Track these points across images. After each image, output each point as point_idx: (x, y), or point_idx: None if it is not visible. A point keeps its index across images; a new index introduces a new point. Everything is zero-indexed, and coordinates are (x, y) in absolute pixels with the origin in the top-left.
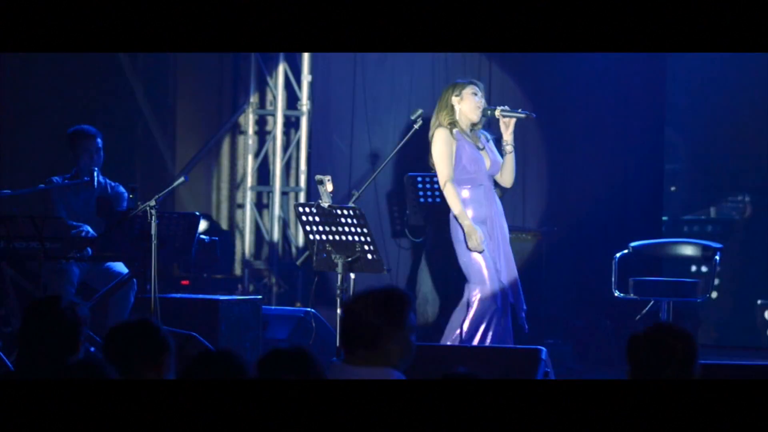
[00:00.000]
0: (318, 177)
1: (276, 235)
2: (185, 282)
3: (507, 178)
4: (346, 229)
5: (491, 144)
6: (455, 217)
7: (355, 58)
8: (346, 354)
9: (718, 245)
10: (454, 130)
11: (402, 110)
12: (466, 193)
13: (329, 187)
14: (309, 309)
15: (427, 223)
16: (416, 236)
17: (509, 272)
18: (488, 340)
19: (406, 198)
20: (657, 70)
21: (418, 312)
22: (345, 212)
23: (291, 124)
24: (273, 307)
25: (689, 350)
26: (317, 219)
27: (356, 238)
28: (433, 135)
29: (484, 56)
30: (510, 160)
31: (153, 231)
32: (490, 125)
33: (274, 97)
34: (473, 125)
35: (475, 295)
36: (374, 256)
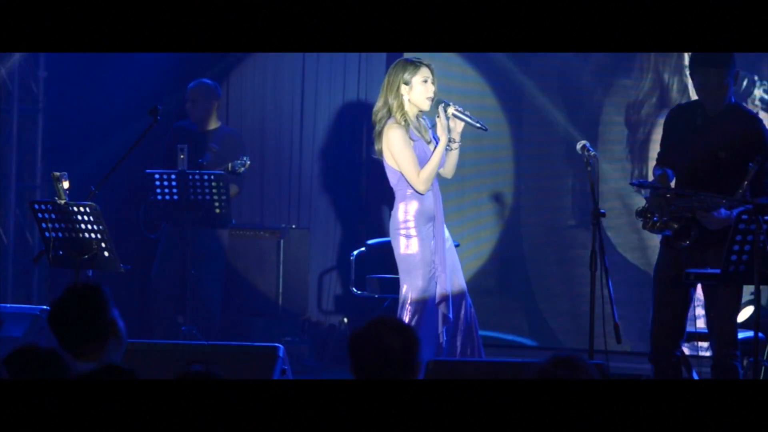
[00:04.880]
0: (54, 174)
1: (12, 233)
2: None
3: (449, 170)
4: (83, 226)
5: (433, 132)
6: (400, 210)
7: (91, 56)
8: (69, 351)
9: (455, 243)
10: (410, 129)
11: (140, 107)
12: (412, 189)
13: (65, 184)
14: (45, 307)
15: (163, 220)
16: (151, 232)
17: (454, 271)
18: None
19: (144, 195)
20: None
21: (155, 306)
22: (81, 209)
23: (27, 121)
24: (8, 305)
25: (408, 346)
26: (53, 216)
27: (92, 235)
28: (383, 130)
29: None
30: (454, 155)
31: None
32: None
33: (10, 94)
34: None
35: (409, 295)
36: (110, 254)
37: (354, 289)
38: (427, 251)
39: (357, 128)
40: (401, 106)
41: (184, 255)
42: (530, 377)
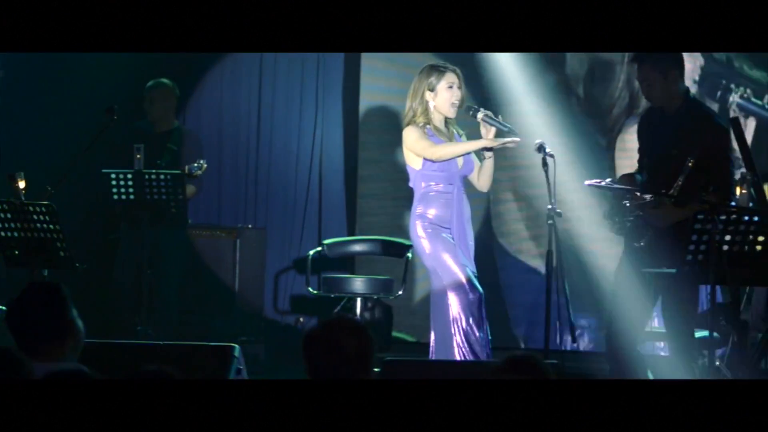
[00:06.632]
0: (10, 174)
1: None
2: None
3: (484, 183)
4: (39, 225)
5: (464, 140)
6: (420, 206)
7: (48, 56)
8: (28, 351)
9: (410, 242)
10: (427, 127)
11: (97, 106)
12: (430, 189)
13: (21, 184)
14: (2, 307)
15: (122, 219)
16: (111, 232)
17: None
18: (478, 330)
19: (102, 194)
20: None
21: (112, 306)
22: (37, 209)
23: None
24: None
25: (362, 346)
26: (9, 216)
27: (48, 235)
28: (403, 132)
29: None
30: (489, 166)
31: None
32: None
33: None
34: (447, 119)
35: (450, 295)
36: (65, 254)
37: (310, 288)
38: (455, 253)
39: (314, 128)
40: (425, 111)
41: (141, 255)
42: (486, 377)
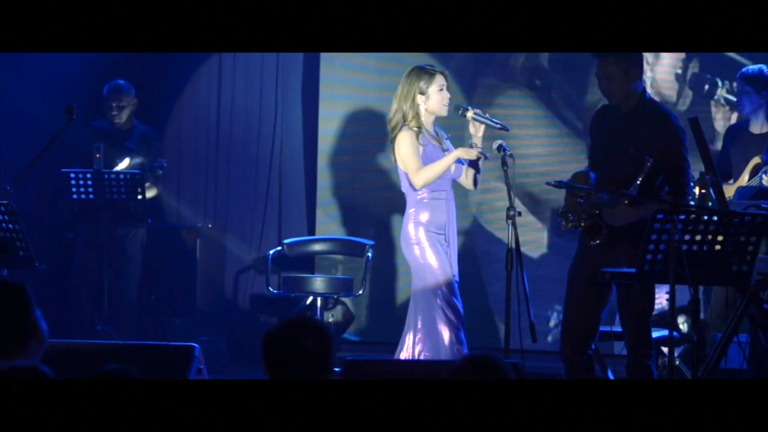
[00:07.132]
0: None
1: None
2: None
3: (472, 182)
4: None
5: (450, 143)
6: (410, 217)
7: (5, 55)
8: None
9: (370, 242)
10: (421, 134)
11: (56, 107)
12: (424, 195)
13: None
14: None
15: (80, 219)
16: (69, 231)
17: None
18: (458, 333)
19: (61, 194)
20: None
21: (72, 305)
22: None
23: None
24: None
25: (322, 345)
26: None
27: (8, 234)
28: (396, 136)
29: None
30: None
31: None
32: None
33: None
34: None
35: (433, 300)
36: (25, 253)
37: (270, 288)
38: (444, 260)
39: (274, 128)
40: (416, 115)
41: (100, 254)
42: (446, 377)
